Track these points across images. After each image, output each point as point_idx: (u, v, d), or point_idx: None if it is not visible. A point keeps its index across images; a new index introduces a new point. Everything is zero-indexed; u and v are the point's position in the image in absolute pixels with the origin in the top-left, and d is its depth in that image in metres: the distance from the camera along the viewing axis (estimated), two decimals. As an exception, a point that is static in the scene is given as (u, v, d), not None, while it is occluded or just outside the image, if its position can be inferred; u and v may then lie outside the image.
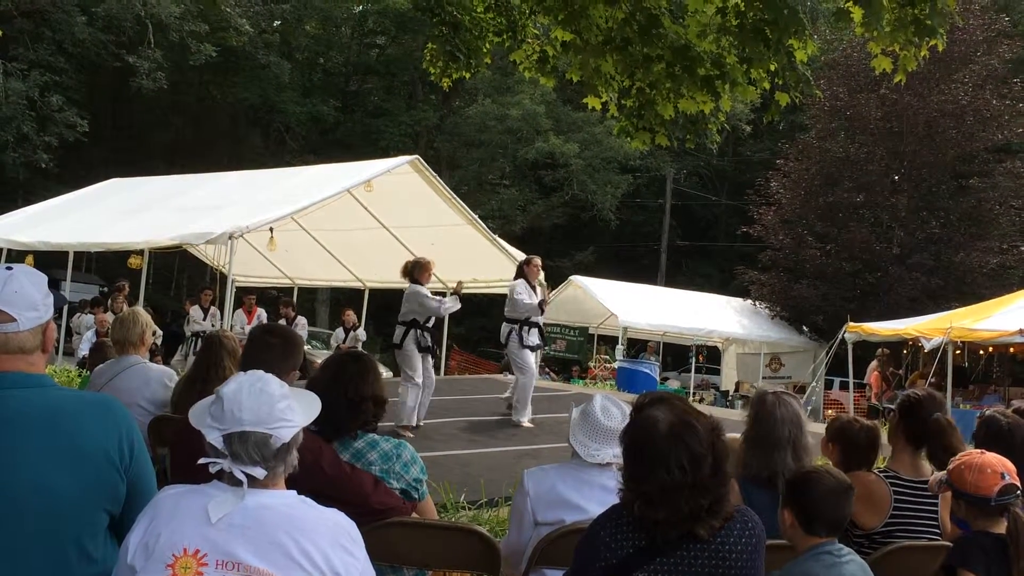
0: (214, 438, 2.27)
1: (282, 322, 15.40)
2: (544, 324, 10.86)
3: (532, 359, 10.39)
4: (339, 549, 2.28)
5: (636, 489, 2.56)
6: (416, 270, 9.98)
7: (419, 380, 9.52)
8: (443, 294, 10.67)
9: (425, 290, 9.85)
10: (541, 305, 10.37)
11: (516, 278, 10.54)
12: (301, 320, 16.69)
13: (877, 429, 4.19)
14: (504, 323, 10.39)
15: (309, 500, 2.35)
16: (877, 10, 5.62)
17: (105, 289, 21.41)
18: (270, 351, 3.74)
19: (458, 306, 10.07)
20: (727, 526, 2.56)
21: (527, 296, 10.27)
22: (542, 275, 10.71)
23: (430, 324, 9.89)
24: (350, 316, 18.10)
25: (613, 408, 3.52)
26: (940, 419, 3.95)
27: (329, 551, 2.26)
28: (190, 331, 16.17)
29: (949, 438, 3.91)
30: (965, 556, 3.30)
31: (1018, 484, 3.30)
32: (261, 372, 2.41)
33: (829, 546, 3.08)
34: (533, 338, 10.39)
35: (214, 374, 5.02)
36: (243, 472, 2.25)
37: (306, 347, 15.04)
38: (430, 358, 9.90)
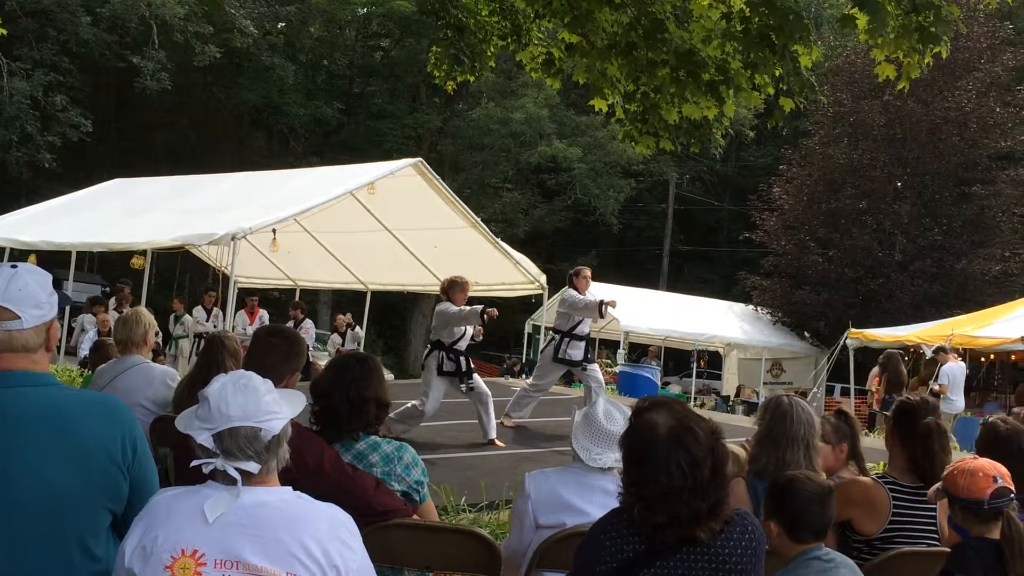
0: (204, 439, 2.29)
1: (290, 324, 15.44)
2: (545, 327, 10.75)
3: (556, 375, 10.16)
4: (337, 542, 2.30)
5: (636, 493, 2.57)
6: (451, 289, 9.23)
7: (426, 406, 9.04)
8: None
9: (452, 307, 9.07)
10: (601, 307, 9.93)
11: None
12: (307, 323, 16.72)
13: (851, 420, 4.27)
14: (550, 332, 10.15)
15: (305, 495, 2.37)
16: (882, 17, 5.62)
17: (107, 289, 21.43)
18: (273, 352, 3.75)
19: (473, 321, 9.06)
20: (727, 530, 2.56)
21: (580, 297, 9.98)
22: (544, 278, 10.62)
23: (460, 345, 9.21)
24: (341, 321, 18.15)
25: (616, 412, 3.52)
26: (930, 423, 3.95)
27: (327, 545, 2.27)
28: (192, 332, 16.21)
29: (932, 443, 3.91)
30: (962, 562, 3.29)
31: (1011, 487, 3.29)
32: (244, 371, 2.45)
33: (816, 551, 3.09)
34: (575, 352, 10.07)
35: (215, 376, 5.02)
36: (236, 468, 2.26)
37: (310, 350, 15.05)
38: (458, 381, 9.19)
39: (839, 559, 3.11)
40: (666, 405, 2.65)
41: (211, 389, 2.35)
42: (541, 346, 10.20)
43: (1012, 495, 3.26)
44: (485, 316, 8.83)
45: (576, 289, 10.21)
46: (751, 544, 2.58)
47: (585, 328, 10.13)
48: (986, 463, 3.37)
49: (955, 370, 14.81)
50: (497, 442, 9.31)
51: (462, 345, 9.25)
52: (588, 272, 10.40)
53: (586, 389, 10.39)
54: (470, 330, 9.28)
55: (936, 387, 14.52)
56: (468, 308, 9.02)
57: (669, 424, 2.55)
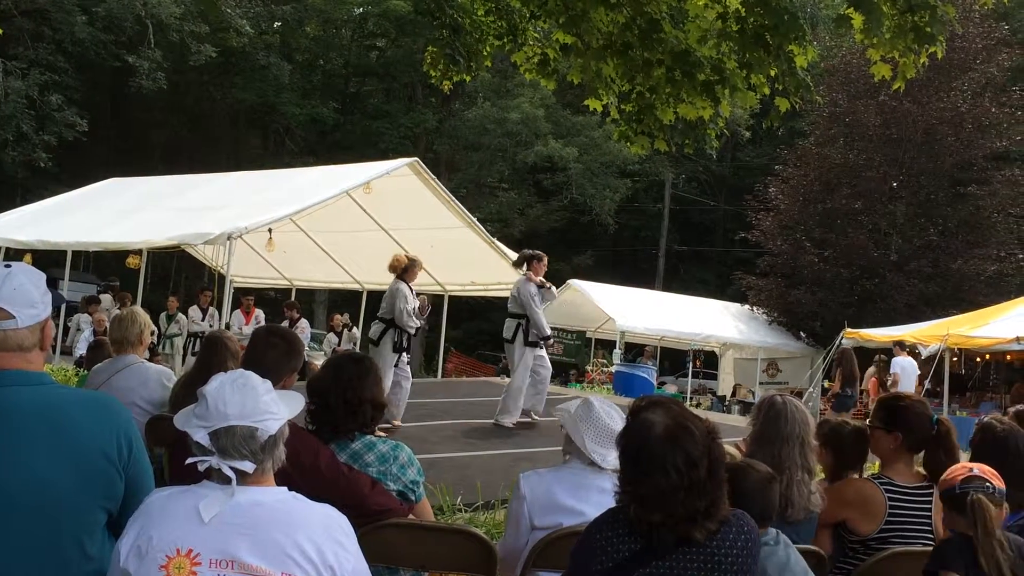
0: (200, 436, 2.29)
1: (285, 323, 15.46)
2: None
3: (531, 359, 10.33)
4: (332, 543, 2.30)
5: (632, 492, 2.57)
6: (412, 267, 9.87)
7: (388, 381, 9.36)
8: (441, 297, 10.54)
9: (408, 291, 9.80)
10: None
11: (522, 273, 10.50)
12: (303, 323, 16.72)
13: (866, 430, 4.20)
14: (508, 319, 10.28)
15: (300, 496, 2.37)
16: (878, 17, 5.63)
17: (100, 287, 21.38)
18: (273, 351, 3.75)
19: (417, 324, 9.93)
20: (723, 530, 2.56)
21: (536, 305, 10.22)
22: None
23: (410, 325, 9.85)
24: (338, 321, 18.13)
25: (613, 411, 3.53)
26: (944, 421, 3.95)
27: (322, 545, 2.28)
28: (186, 331, 16.20)
29: (951, 440, 3.91)
30: (943, 558, 3.29)
31: (987, 479, 3.28)
32: (243, 370, 2.44)
33: (764, 537, 3.10)
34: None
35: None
36: (231, 468, 2.26)
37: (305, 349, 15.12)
38: (405, 356, 9.81)
39: (782, 539, 3.14)
40: (663, 404, 2.65)
41: (209, 387, 2.35)
42: (510, 336, 10.19)
43: (988, 485, 3.25)
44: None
45: (532, 273, 10.36)
46: (747, 544, 2.58)
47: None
48: (976, 465, 3.37)
49: (906, 364, 16.00)
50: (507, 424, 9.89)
51: (412, 325, 9.81)
52: (546, 259, 10.59)
53: (532, 367, 10.39)
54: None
55: (888, 379, 15.81)
56: (416, 318, 9.78)
57: (666, 423, 2.55)
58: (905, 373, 15.81)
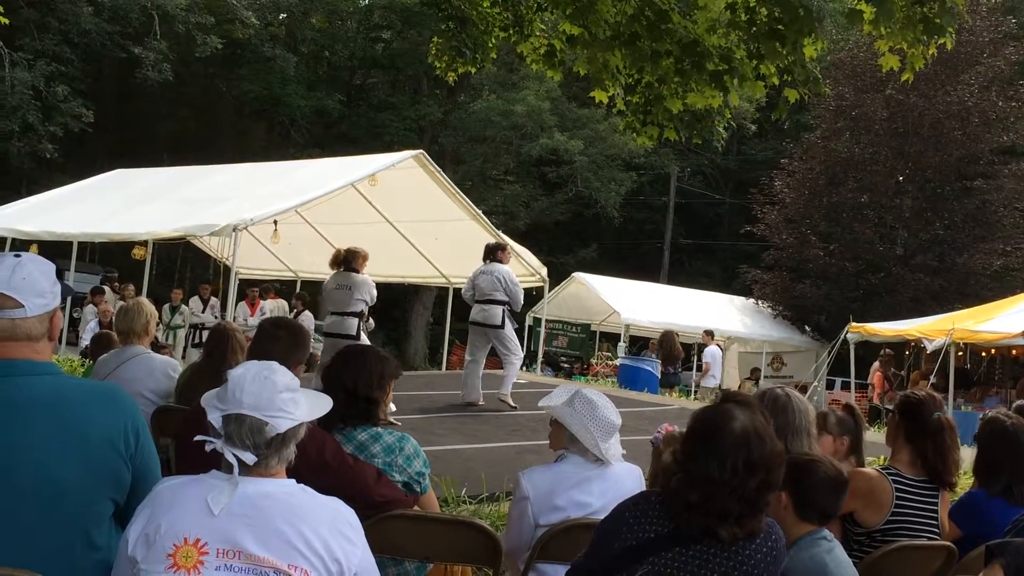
0: (214, 417, 2.30)
1: (292, 314, 15.51)
2: (547, 320, 10.95)
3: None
4: (339, 536, 2.30)
5: (684, 464, 2.60)
6: (356, 259, 10.00)
7: None
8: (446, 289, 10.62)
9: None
10: None
11: (494, 262, 10.72)
12: (307, 315, 16.75)
13: (858, 414, 4.26)
14: (495, 306, 10.48)
15: (309, 488, 2.37)
16: (888, 7, 5.61)
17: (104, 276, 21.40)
18: (277, 343, 3.76)
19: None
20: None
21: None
22: (545, 271, 10.78)
23: None
24: None
25: (609, 403, 3.53)
26: (940, 419, 3.95)
27: (329, 538, 2.28)
28: (188, 322, 16.24)
29: (943, 438, 3.90)
30: (1003, 550, 3.34)
31: None
32: (273, 362, 2.44)
33: (823, 532, 3.16)
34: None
35: (223, 366, 5.01)
36: (233, 455, 2.27)
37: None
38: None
39: (836, 541, 3.20)
40: (751, 407, 2.67)
41: (235, 372, 2.37)
42: (500, 322, 10.42)
43: None
44: None
45: (500, 263, 10.78)
46: (772, 553, 2.60)
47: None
48: None
49: (715, 352, 18.53)
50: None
51: None
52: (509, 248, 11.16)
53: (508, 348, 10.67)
54: None
55: (704, 365, 18.54)
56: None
57: (744, 423, 2.56)
58: (715, 361, 18.14)
